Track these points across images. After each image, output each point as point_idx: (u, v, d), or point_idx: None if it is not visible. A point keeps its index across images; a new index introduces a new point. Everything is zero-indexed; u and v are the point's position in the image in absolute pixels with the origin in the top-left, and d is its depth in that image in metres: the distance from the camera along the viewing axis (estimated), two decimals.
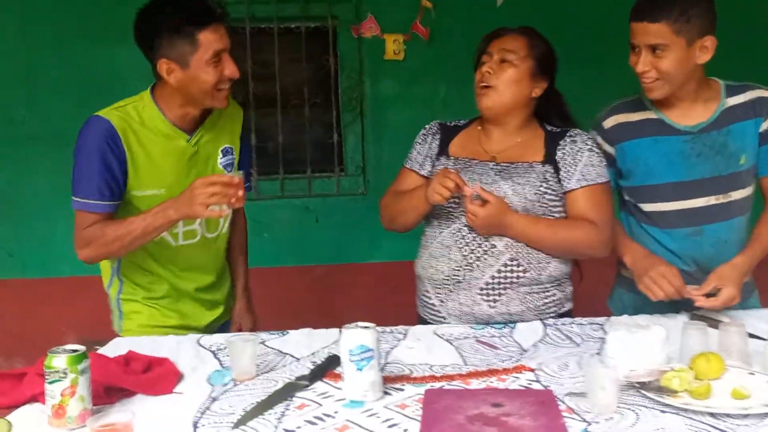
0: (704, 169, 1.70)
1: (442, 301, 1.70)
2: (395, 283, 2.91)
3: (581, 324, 1.63)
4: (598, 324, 1.62)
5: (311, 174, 3.62)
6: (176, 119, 1.68)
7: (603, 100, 3.66)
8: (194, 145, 1.72)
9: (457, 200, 1.67)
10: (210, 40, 1.57)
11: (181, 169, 1.70)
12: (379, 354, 1.22)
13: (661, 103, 1.72)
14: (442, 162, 1.77)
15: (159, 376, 1.31)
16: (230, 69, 1.62)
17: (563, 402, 1.17)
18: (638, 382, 1.20)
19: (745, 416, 1.10)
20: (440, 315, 1.71)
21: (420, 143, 1.84)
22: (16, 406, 1.22)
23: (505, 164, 1.71)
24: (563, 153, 1.70)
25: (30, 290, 3.48)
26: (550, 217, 1.68)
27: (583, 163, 1.69)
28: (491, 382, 1.28)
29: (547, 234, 1.65)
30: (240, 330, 2.00)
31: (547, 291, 1.69)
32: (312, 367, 1.38)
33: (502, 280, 1.65)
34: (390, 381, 1.28)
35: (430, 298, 1.73)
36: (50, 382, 1.10)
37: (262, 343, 1.54)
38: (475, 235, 1.66)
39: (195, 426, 1.14)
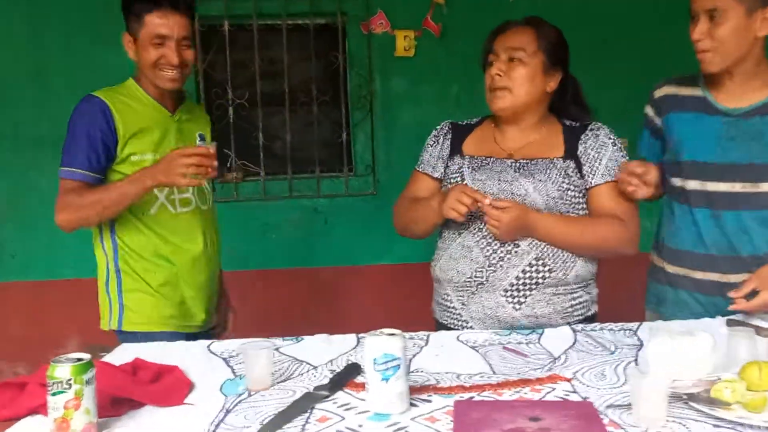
0: (736, 154, 1.63)
1: (464, 304, 1.64)
2: (407, 286, 2.84)
3: (612, 330, 1.54)
4: (630, 330, 1.54)
5: (320, 174, 3.54)
6: (155, 97, 1.82)
7: (624, 96, 3.62)
8: (177, 120, 1.86)
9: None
10: (155, 23, 1.73)
11: (169, 139, 1.82)
12: (406, 363, 1.14)
13: (711, 81, 1.67)
14: (456, 162, 1.70)
15: (169, 385, 1.23)
16: (169, 54, 1.74)
17: (605, 415, 1.09)
18: (686, 394, 1.11)
19: None
20: (462, 319, 1.65)
21: (431, 145, 1.78)
22: (17, 419, 1.14)
23: (524, 161, 1.65)
24: (585, 147, 1.64)
25: (33, 293, 3.41)
26: (574, 215, 1.61)
27: (607, 157, 1.64)
28: (525, 393, 1.19)
29: (573, 232, 1.60)
30: (226, 326, 2.10)
31: (574, 293, 1.63)
32: (331, 375, 1.30)
33: (527, 281, 1.59)
34: (415, 391, 1.20)
35: (450, 301, 1.67)
36: (53, 394, 1.02)
37: (277, 349, 1.46)
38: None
39: None
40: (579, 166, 1.64)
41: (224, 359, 1.43)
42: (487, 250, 1.60)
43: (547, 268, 1.59)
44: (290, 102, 3.50)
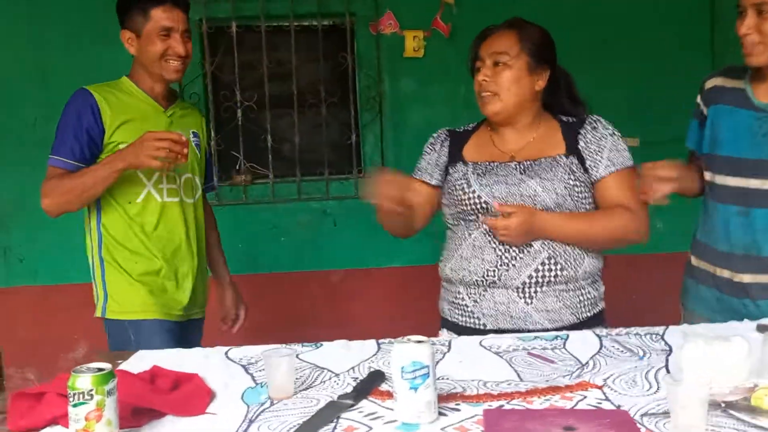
0: (766, 151, 1.61)
1: (476, 302, 1.65)
2: (417, 288, 2.80)
3: (639, 334, 1.51)
4: (657, 334, 1.50)
5: (329, 176, 3.51)
6: (149, 93, 1.92)
7: (624, 96, 3.59)
8: (170, 116, 1.95)
9: (484, 206, 1.63)
10: (160, 16, 1.84)
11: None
12: (434, 371, 1.10)
13: (755, 76, 1.65)
14: (459, 169, 1.71)
15: (189, 394, 1.20)
16: (176, 45, 1.85)
17: (642, 424, 1.05)
18: (724, 401, 1.08)
19: None
20: (474, 316, 1.66)
21: (428, 152, 1.79)
22: (36, 430, 1.11)
23: (527, 162, 1.66)
24: (586, 142, 1.66)
25: (41, 297, 3.39)
26: (582, 210, 1.62)
27: (608, 149, 1.65)
28: (555, 401, 1.16)
29: (583, 227, 1.62)
30: (236, 320, 2.21)
31: (583, 289, 1.65)
32: (354, 383, 1.27)
33: (540, 279, 1.60)
34: (443, 400, 1.16)
35: (463, 299, 1.67)
36: (74, 405, 0.99)
37: (297, 356, 1.43)
38: None
39: None
40: (582, 161, 1.64)
41: (243, 366, 1.40)
42: (500, 250, 1.61)
43: (558, 267, 1.60)
44: (299, 104, 3.47)
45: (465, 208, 1.66)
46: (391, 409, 1.13)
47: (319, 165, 3.52)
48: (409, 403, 1.08)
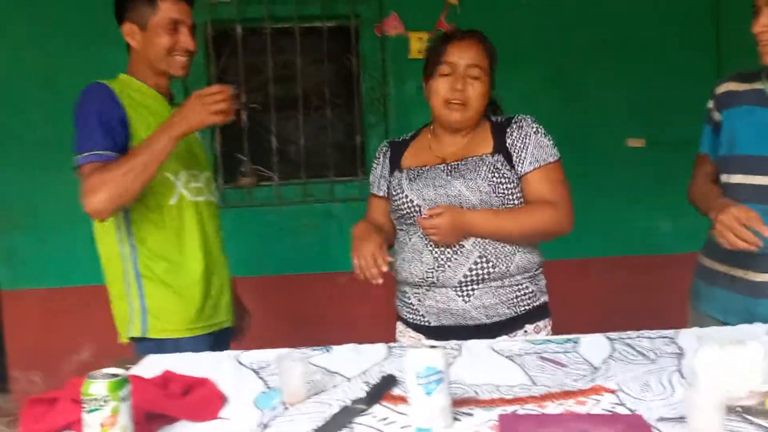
0: None
1: (419, 300, 1.74)
2: None
3: (650, 337, 1.50)
4: (668, 337, 1.50)
5: (334, 178, 3.50)
6: (154, 89, 1.80)
7: (633, 93, 3.58)
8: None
9: (417, 209, 1.70)
10: (169, 7, 1.73)
11: None
12: (448, 376, 1.10)
13: None
14: (396, 177, 1.78)
15: (202, 399, 1.20)
16: (185, 39, 1.75)
17: (657, 429, 1.05)
18: (740, 406, 1.08)
19: None
20: (419, 313, 1.74)
21: (374, 167, 1.89)
22: None
23: (455, 163, 1.73)
24: (512, 140, 1.72)
25: (45, 300, 3.39)
26: (509, 207, 1.69)
27: (532, 145, 1.72)
28: (569, 405, 1.16)
29: (508, 223, 1.67)
30: (242, 329, 2.08)
31: (520, 284, 1.71)
32: (366, 388, 1.27)
33: (474, 278, 1.67)
34: (456, 405, 1.16)
35: (409, 298, 1.76)
36: (89, 411, 0.99)
37: (308, 360, 1.43)
38: None
39: None
40: (508, 158, 1.71)
41: (254, 371, 1.40)
42: (435, 252, 1.68)
43: (490, 264, 1.67)
44: (304, 106, 3.47)
45: (402, 212, 1.74)
46: (405, 414, 1.13)
47: (324, 167, 3.51)
48: (423, 408, 1.08)
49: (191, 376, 1.29)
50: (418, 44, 3.44)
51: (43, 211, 3.34)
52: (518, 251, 1.70)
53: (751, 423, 1.04)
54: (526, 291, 1.72)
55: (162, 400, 1.15)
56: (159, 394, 1.17)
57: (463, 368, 1.37)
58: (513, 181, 1.70)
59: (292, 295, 3.48)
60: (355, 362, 1.42)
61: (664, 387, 1.22)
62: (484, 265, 1.66)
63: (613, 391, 1.21)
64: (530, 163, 1.70)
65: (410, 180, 1.74)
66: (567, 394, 1.20)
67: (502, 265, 1.67)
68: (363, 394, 1.22)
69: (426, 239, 1.68)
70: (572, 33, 3.50)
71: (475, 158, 1.71)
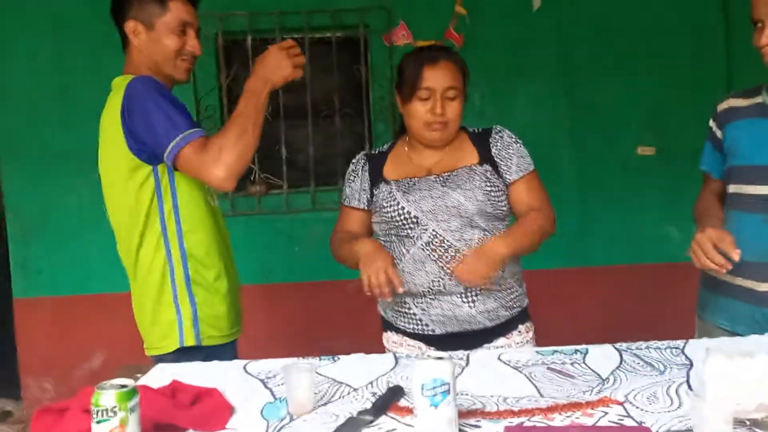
0: None
1: (424, 310, 1.74)
2: None
3: (659, 348, 1.49)
4: (677, 348, 1.49)
5: (342, 186, 3.50)
6: None
7: (646, 104, 3.57)
8: None
9: (414, 220, 1.71)
10: (179, 8, 1.68)
11: None
12: (455, 387, 1.10)
13: None
14: (383, 189, 1.78)
15: (210, 409, 1.20)
16: (193, 43, 1.70)
17: None
18: (749, 419, 1.07)
19: None
20: (423, 323, 1.75)
21: (351, 180, 1.87)
22: None
23: (446, 174, 1.76)
24: (498, 149, 1.79)
25: (60, 308, 3.42)
26: (500, 212, 1.75)
27: (516, 155, 1.79)
28: (577, 417, 1.15)
29: (526, 240, 1.72)
30: None
31: (511, 287, 1.78)
32: (372, 398, 1.27)
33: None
34: (462, 416, 1.16)
35: (410, 308, 1.76)
36: (98, 422, 1.00)
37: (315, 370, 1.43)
38: (445, 246, 1.70)
39: None
40: (495, 167, 1.78)
41: (262, 380, 1.40)
42: (440, 262, 1.70)
43: None
44: (313, 115, 3.49)
45: (396, 224, 1.74)
46: (411, 426, 1.14)
47: (333, 175, 3.53)
48: (429, 420, 1.08)
49: (199, 386, 1.29)
50: None
51: (57, 220, 3.38)
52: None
53: None
54: (517, 293, 1.80)
55: (170, 410, 1.16)
56: (167, 404, 1.17)
57: (470, 379, 1.37)
58: (501, 189, 1.77)
59: (301, 303, 3.50)
60: (362, 372, 1.43)
61: (671, 399, 1.21)
62: None
63: (620, 403, 1.20)
64: (516, 171, 1.78)
65: (403, 192, 1.75)
66: (574, 406, 1.20)
67: (500, 269, 1.70)
68: (369, 405, 1.23)
69: (427, 249, 1.70)
70: (583, 43, 3.51)
71: (464, 168, 1.76)
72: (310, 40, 3.43)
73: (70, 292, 3.41)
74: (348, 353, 1.56)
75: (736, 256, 1.49)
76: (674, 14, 3.49)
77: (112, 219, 1.74)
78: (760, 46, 1.58)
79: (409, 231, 1.73)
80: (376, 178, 1.82)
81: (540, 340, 1.85)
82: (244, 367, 1.49)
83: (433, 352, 1.13)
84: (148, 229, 1.65)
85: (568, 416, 1.16)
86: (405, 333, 1.79)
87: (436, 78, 1.72)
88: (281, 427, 1.17)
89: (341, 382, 1.37)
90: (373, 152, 1.89)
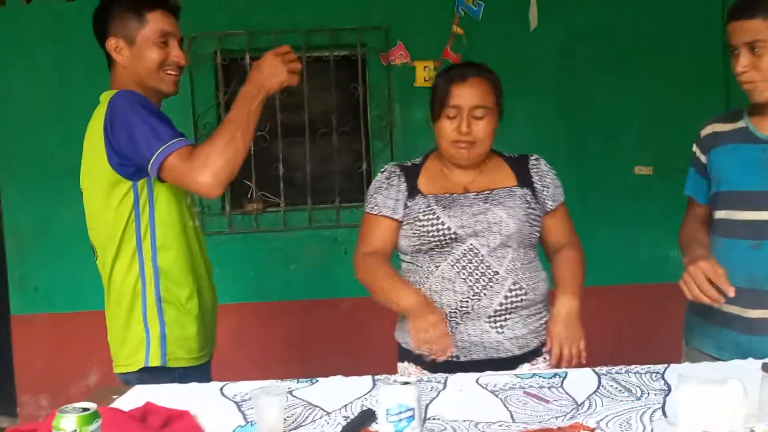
0: None
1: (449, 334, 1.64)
2: None
3: (638, 373, 1.48)
4: (657, 372, 1.47)
5: (339, 204, 3.52)
6: None
7: (644, 122, 3.55)
8: None
9: (453, 236, 1.67)
10: (158, 20, 1.65)
11: None
12: (421, 413, 1.09)
13: (755, 110, 1.66)
14: (419, 202, 1.73)
15: None
16: (176, 53, 1.68)
17: None
18: None
19: None
20: None
21: (385, 188, 1.77)
22: None
23: (485, 192, 1.74)
24: (538, 177, 1.78)
25: (56, 325, 3.43)
26: (534, 237, 1.75)
27: (552, 185, 1.79)
28: None
29: (582, 282, 1.73)
30: None
31: (540, 312, 1.73)
32: (344, 423, 1.26)
33: (509, 306, 1.67)
34: None
35: None
36: None
37: (290, 392, 1.43)
38: (476, 264, 1.66)
39: None
40: (534, 193, 1.76)
41: (237, 403, 1.40)
42: (470, 280, 1.65)
43: (523, 291, 1.68)
44: (310, 133, 3.51)
45: (431, 239, 1.68)
46: None
47: (331, 193, 3.54)
48: None
49: (172, 408, 1.29)
50: (423, 73, 3.47)
51: (54, 236, 3.40)
52: (541, 279, 1.74)
53: None
54: (545, 319, 1.73)
55: None
56: (135, 428, 1.17)
57: (445, 403, 1.36)
58: (538, 216, 1.75)
59: (297, 322, 3.49)
60: (338, 395, 1.42)
61: (644, 425, 1.20)
62: (518, 292, 1.67)
63: (592, 429, 1.19)
64: (553, 200, 1.78)
65: (444, 207, 1.70)
66: None
67: (532, 293, 1.69)
68: (338, 430, 1.22)
69: (457, 267, 1.66)
70: (580, 62, 3.51)
71: (505, 189, 1.74)
72: (308, 58, 3.45)
73: (67, 308, 3.43)
74: (342, 372, 1.55)
75: (731, 292, 1.47)
76: (672, 34, 3.50)
77: (91, 234, 1.72)
78: (737, 74, 1.59)
79: (443, 247, 1.68)
80: (412, 189, 1.75)
81: None
82: (221, 389, 1.49)
83: (400, 377, 1.12)
84: (123, 244, 1.63)
85: None
86: (424, 361, 1.65)
87: (463, 96, 1.68)
88: None
89: (315, 406, 1.37)
90: (405, 163, 1.82)
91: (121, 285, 1.66)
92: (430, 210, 1.70)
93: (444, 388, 1.44)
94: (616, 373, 1.48)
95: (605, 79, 3.50)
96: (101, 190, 1.63)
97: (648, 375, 1.46)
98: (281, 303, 3.50)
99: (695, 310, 1.76)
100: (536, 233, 1.75)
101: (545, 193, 1.77)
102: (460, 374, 1.55)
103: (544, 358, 1.71)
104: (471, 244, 1.66)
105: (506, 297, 1.65)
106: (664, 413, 1.25)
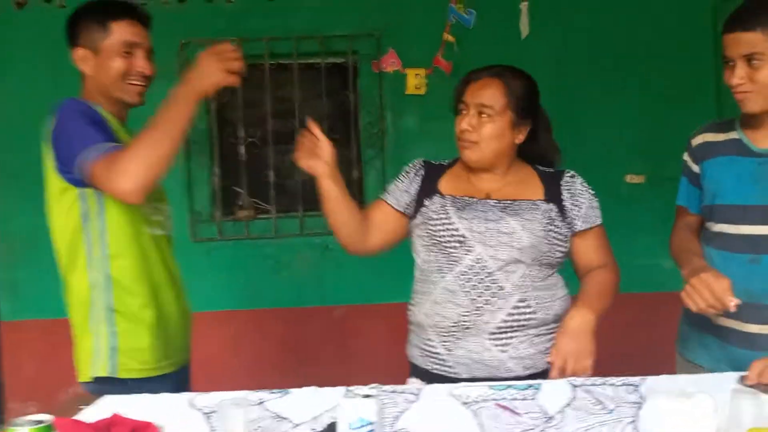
0: None
1: (449, 350, 1.64)
2: None
3: (614, 384, 1.46)
4: (632, 385, 1.45)
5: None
6: (108, 113, 1.68)
7: (636, 130, 3.53)
8: None
9: (461, 239, 1.62)
10: (123, 30, 1.64)
11: None
12: (381, 427, 1.08)
13: (748, 124, 1.64)
14: (436, 201, 1.70)
15: None
16: (141, 64, 1.65)
17: None
18: None
19: None
20: (447, 364, 1.64)
21: (402, 179, 1.78)
22: None
23: (506, 201, 1.68)
24: (570, 194, 1.70)
25: (44, 332, 3.42)
26: (554, 256, 1.66)
27: (586, 205, 1.70)
28: None
29: (606, 302, 1.65)
30: None
31: (552, 332, 1.63)
32: None
33: (513, 324, 1.61)
34: None
35: (434, 347, 1.66)
36: None
37: (261, 404, 1.41)
38: (482, 277, 1.61)
39: None
40: (562, 211, 1.68)
41: (206, 414, 1.39)
42: (472, 294, 1.61)
43: (530, 310, 1.62)
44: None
45: (440, 240, 1.66)
46: None
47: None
48: None
49: (137, 420, 1.28)
50: (414, 80, 3.46)
51: (44, 243, 3.35)
52: (558, 299, 1.67)
53: None
54: None
55: None
56: None
57: (415, 415, 1.34)
58: (563, 234, 1.67)
59: (287, 329, 3.48)
60: (309, 407, 1.40)
61: None
62: (524, 310, 1.61)
63: None
64: (584, 222, 1.69)
65: (457, 208, 1.67)
66: None
67: (542, 312, 1.63)
68: None
69: (462, 279, 1.61)
70: (571, 70, 3.50)
71: (528, 202, 1.67)
72: (299, 65, 3.45)
73: (56, 315, 3.40)
74: (334, 379, 1.53)
75: (734, 307, 1.45)
76: (664, 40, 3.48)
77: (53, 241, 1.72)
78: (731, 85, 1.56)
79: (452, 251, 1.63)
80: (431, 188, 1.73)
81: None
82: (191, 401, 1.47)
83: (361, 389, 1.10)
84: (75, 252, 1.63)
85: None
86: (431, 376, 1.66)
87: (473, 94, 1.66)
88: None
89: (284, 418, 1.35)
90: (433, 162, 1.80)
91: (74, 294, 1.66)
92: (444, 210, 1.68)
93: (417, 400, 1.42)
94: (591, 384, 1.46)
95: (597, 87, 3.49)
96: (53, 197, 1.64)
97: (623, 387, 1.44)
98: (272, 310, 3.49)
99: (691, 321, 1.73)
100: (558, 253, 1.66)
101: (575, 212, 1.68)
102: (435, 385, 1.53)
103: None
104: (479, 255, 1.61)
105: (510, 314, 1.60)
106: (635, 427, 1.23)
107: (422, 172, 1.77)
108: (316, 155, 1.66)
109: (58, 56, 3.35)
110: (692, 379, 1.49)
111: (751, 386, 1.37)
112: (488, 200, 1.68)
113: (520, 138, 1.70)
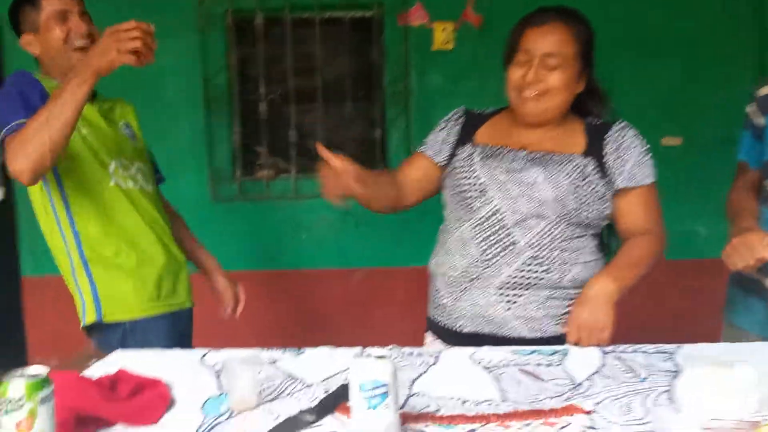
0: None
1: (454, 300, 1.57)
2: None
3: (646, 352, 1.37)
4: (667, 353, 1.37)
5: None
6: None
7: (673, 91, 3.37)
8: (98, 109, 1.76)
9: (481, 189, 1.53)
10: (50, 2, 1.68)
11: (98, 125, 1.74)
12: (396, 389, 1.01)
13: None
14: (466, 149, 1.61)
15: (146, 402, 1.13)
16: (77, 25, 1.68)
17: None
18: None
19: None
20: (452, 316, 1.58)
21: (440, 129, 1.69)
22: None
23: (539, 153, 1.55)
24: (613, 147, 1.54)
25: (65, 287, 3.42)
26: (584, 215, 1.52)
27: (632, 160, 1.54)
28: (535, 426, 1.05)
29: (636, 272, 1.54)
30: (236, 302, 2.01)
31: (570, 298, 1.52)
32: (323, 396, 1.18)
33: (522, 280, 1.51)
34: (411, 420, 1.07)
35: (442, 297, 1.61)
36: (5, 413, 0.94)
37: (273, 363, 1.36)
38: (496, 229, 1.52)
39: None
40: (601, 166, 1.54)
41: (216, 372, 1.33)
42: (483, 245, 1.53)
43: (543, 268, 1.51)
44: (323, 98, 3.40)
45: (462, 189, 1.58)
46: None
47: None
48: (366, 423, 0.99)
49: (144, 376, 1.23)
50: (442, 36, 3.33)
51: None
52: (578, 262, 1.53)
53: None
54: (571, 306, 1.53)
55: (101, 402, 1.09)
56: (99, 396, 1.11)
57: (433, 378, 1.27)
58: (598, 191, 1.53)
59: (306, 290, 3.44)
60: (322, 367, 1.34)
61: (646, 410, 1.10)
62: (536, 267, 1.50)
63: (587, 412, 1.09)
64: (627, 179, 1.54)
65: (484, 157, 1.57)
66: (535, 414, 1.09)
67: (555, 273, 1.51)
68: (315, 404, 1.14)
69: (477, 229, 1.53)
70: (603, 28, 3.32)
71: (562, 155, 1.54)
72: (321, 20, 3.34)
73: None
74: (352, 341, 1.48)
75: None
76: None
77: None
78: None
79: (471, 201, 1.54)
80: (466, 137, 1.63)
81: None
82: (202, 357, 1.42)
83: (377, 350, 1.04)
84: (46, 214, 1.70)
85: (526, 424, 1.06)
86: (438, 330, 1.62)
87: (537, 41, 1.51)
88: (215, 425, 1.09)
89: (296, 378, 1.29)
90: (475, 111, 1.68)
91: (55, 252, 1.74)
92: (470, 158, 1.59)
93: (435, 363, 1.35)
94: (622, 351, 1.38)
95: (630, 46, 3.32)
96: None
97: (657, 355, 1.36)
98: (291, 272, 3.44)
99: (739, 284, 1.64)
100: (592, 212, 1.53)
101: (618, 168, 1.53)
102: (454, 349, 1.46)
103: None
104: (497, 206, 1.52)
105: (519, 269, 1.50)
106: (668, 397, 1.15)
107: (462, 120, 1.66)
108: (343, 181, 1.49)
109: None
110: (734, 348, 1.39)
111: None
112: (520, 151, 1.56)
113: (580, 87, 1.57)
